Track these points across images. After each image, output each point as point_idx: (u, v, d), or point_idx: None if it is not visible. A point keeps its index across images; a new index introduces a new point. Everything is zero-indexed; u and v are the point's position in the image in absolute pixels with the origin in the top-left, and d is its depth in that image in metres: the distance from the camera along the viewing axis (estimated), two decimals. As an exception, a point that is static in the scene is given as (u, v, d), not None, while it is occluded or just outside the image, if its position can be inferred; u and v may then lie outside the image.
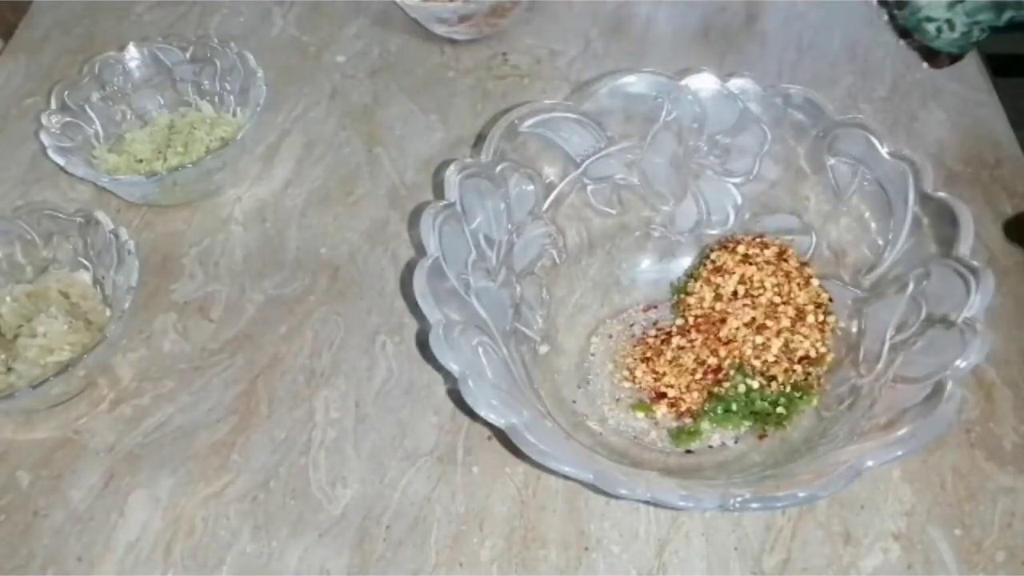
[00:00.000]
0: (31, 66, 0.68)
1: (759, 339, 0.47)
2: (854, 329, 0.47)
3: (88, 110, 0.58)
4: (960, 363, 0.38)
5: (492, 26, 0.67)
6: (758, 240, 0.49)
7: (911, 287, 0.44)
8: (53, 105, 0.56)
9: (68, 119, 0.56)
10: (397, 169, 0.60)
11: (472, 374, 0.38)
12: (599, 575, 0.42)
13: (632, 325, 0.51)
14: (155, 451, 0.47)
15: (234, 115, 0.60)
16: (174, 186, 0.55)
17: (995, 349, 0.49)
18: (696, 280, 0.49)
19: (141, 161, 0.58)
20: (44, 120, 0.55)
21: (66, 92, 0.57)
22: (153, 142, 0.59)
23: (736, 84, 0.49)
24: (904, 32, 0.60)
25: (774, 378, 0.46)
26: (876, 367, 0.43)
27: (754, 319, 0.47)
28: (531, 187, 0.49)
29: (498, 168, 0.47)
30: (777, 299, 0.47)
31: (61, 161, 0.54)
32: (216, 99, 0.61)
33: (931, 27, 0.57)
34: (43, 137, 0.54)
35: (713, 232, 0.52)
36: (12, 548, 0.44)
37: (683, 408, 0.47)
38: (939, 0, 0.55)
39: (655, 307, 0.52)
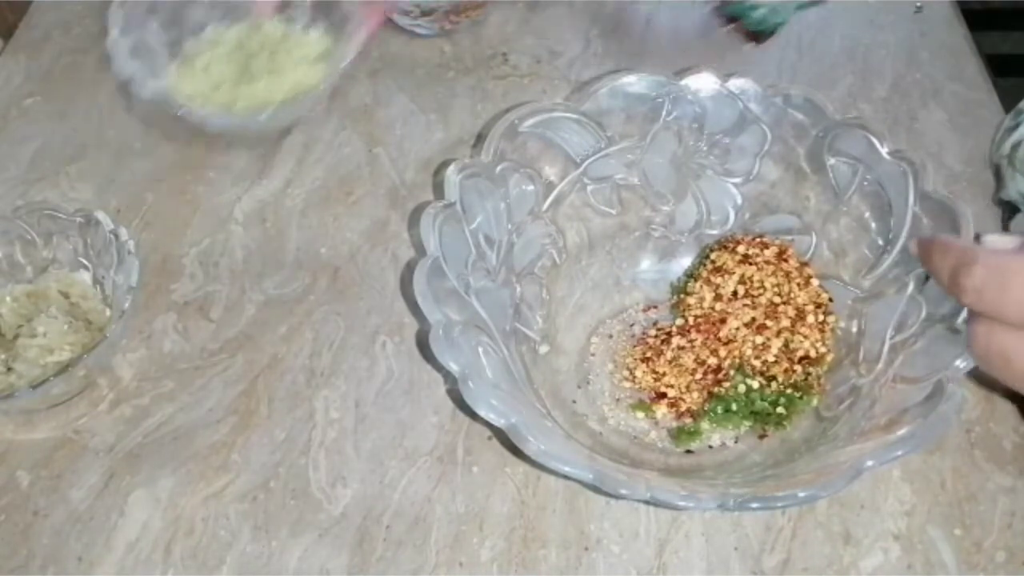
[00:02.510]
0: (31, 66, 0.68)
1: (759, 339, 0.47)
2: (854, 329, 0.47)
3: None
4: (960, 363, 0.38)
5: (454, 23, 0.68)
6: (758, 240, 0.49)
7: (911, 287, 0.44)
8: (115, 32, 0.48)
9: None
10: (397, 169, 0.60)
11: (472, 374, 0.38)
12: (599, 575, 0.42)
13: (632, 325, 0.51)
14: (155, 451, 0.47)
15: (306, 32, 0.52)
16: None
17: (995, 349, 0.49)
18: (696, 280, 0.49)
19: (219, 88, 0.51)
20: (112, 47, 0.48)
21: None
22: (232, 63, 0.51)
23: (736, 84, 0.49)
24: (730, 19, 0.66)
25: (774, 378, 0.46)
26: (876, 367, 0.43)
27: (754, 319, 0.47)
28: (531, 187, 0.49)
29: (498, 168, 0.47)
30: (777, 299, 0.47)
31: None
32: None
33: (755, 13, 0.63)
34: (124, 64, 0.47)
35: (713, 232, 0.52)
36: (12, 548, 0.44)
37: (683, 408, 0.47)
38: None
39: (655, 307, 0.52)
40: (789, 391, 0.46)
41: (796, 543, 0.43)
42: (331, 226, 0.57)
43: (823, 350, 0.47)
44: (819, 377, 0.47)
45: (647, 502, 0.38)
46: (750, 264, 0.48)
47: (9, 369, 0.48)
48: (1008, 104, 0.63)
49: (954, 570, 0.42)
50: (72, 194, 0.59)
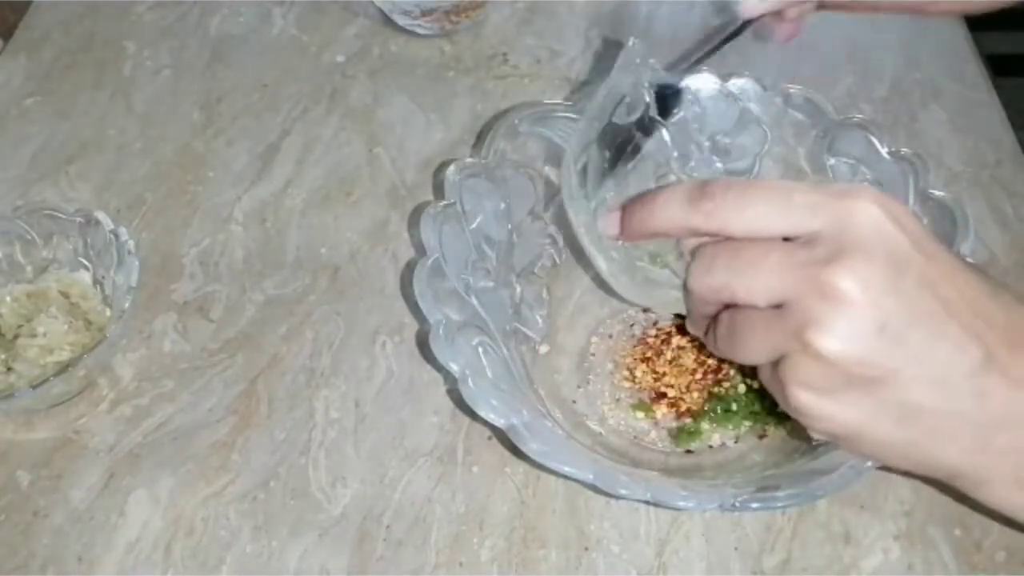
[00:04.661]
0: (31, 66, 0.68)
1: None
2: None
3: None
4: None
5: (454, 23, 0.68)
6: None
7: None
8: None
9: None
10: (397, 169, 0.60)
11: (472, 374, 0.38)
12: (599, 575, 0.42)
13: (632, 325, 0.51)
14: (155, 451, 0.47)
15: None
16: None
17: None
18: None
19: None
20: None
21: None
22: None
23: (736, 84, 0.49)
24: None
25: (774, 378, 0.46)
26: (876, 367, 0.43)
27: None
28: (531, 187, 0.49)
29: (498, 168, 0.47)
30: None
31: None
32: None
33: None
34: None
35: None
36: (12, 548, 0.44)
37: (683, 408, 0.47)
38: None
39: (655, 307, 0.52)
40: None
41: (796, 543, 0.43)
42: (331, 226, 0.57)
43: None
44: (819, 377, 0.47)
45: (647, 502, 0.38)
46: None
47: (9, 369, 0.48)
48: (1008, 104, 0.63)
49: (954, 570, 0.42)
50: (72, 194, 0.59)
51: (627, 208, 0.34)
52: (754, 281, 0.30)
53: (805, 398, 0.30)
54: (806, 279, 0.29)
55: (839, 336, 0.29)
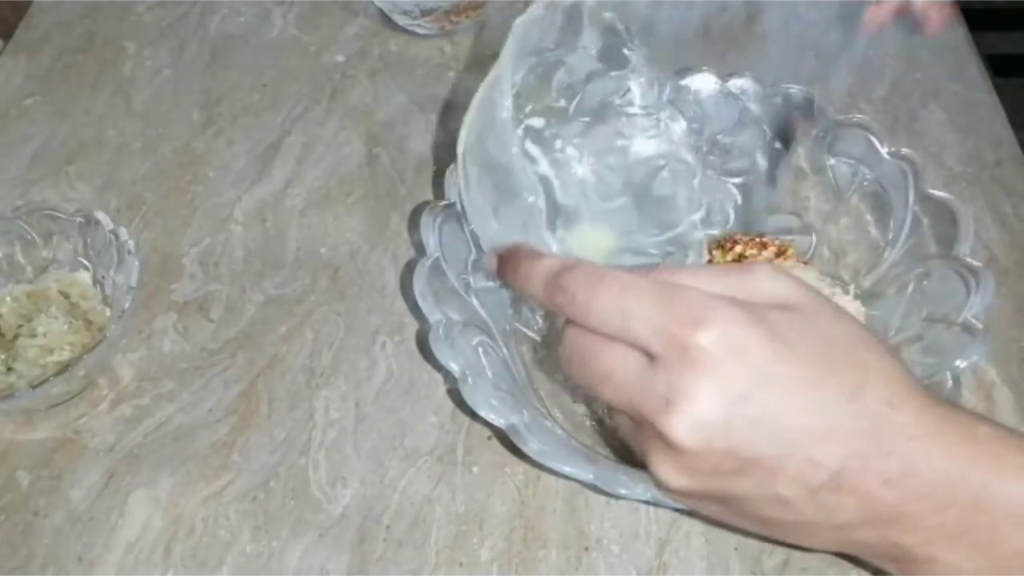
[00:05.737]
0: (31, 66, 0.68)
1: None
2: (854, 329, 0.47)
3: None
4: (960, 363, 0.38)
5: (454, 24, 0.68)
6: (757, 240, 0.49)
7: (911, 287, 0.44)
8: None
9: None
10: (397, 169, 0.60)
11: (472, 374, 0.38)
12: (599, 575, 0.42)
13: (632, 325, 0.51)
14: (155, 451, 0.47)
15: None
16: None
17: (995, 349, 0.49)
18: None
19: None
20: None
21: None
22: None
23: (736, 84, 0.49)
24: None
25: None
26: (876, 367, 0.43)
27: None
28: (531, 187, 0.49)
29: (498, 168, 0.47)
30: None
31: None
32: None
33: None
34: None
35: (713, 232, 0.52)
36: (12, 548, 0.44)
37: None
38: None
39: (655, 307, 0.52)
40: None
41: (796, 543, 0.43)
42: (331, 226, 0.57)
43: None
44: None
45: (647, 502, 0.38)
46: (750, 264, 0.48)
47: (9, 369, 0.48)
48: (1008, 104, 0.63)
49: (954, 570, 0.42)
50: (72, 194, 0.59)
51: (501, 259, 0.34)
52: (603, 395, 0.31)
53: (667, 489, 0.31)
54: (644, 415, 0.29)
55: (673, 477, 0.30)
